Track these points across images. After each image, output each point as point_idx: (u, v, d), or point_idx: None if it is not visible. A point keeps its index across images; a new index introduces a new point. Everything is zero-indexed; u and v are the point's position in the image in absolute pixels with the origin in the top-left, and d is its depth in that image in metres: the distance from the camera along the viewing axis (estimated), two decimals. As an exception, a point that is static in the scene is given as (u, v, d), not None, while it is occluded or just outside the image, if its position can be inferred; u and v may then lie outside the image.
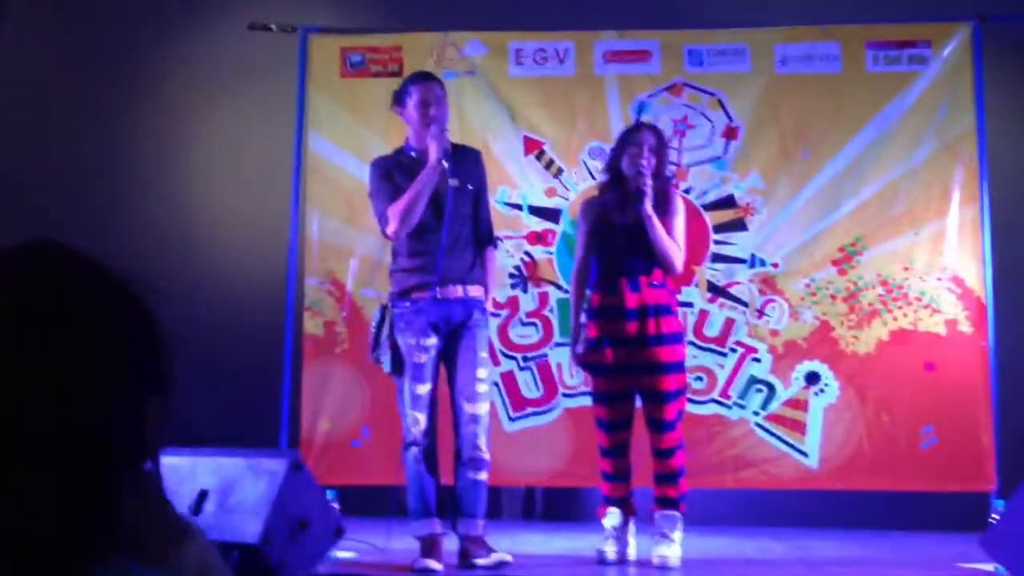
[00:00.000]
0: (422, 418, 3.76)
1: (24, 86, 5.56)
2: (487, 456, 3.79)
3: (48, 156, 5.51)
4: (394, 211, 3.80)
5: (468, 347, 3.81)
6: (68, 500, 0.80)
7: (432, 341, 3.79)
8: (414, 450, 3.78)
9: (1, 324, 0.80)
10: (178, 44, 5.57)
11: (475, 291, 3.87)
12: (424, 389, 3.77)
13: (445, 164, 3.77)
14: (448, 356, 3.83)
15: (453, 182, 3.82)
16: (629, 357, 3.94)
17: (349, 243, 5.09)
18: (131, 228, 5.34)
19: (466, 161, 3.95)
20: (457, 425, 3.81)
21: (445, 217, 3.78)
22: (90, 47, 5.56)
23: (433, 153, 3.78)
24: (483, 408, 3.80)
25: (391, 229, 3.83)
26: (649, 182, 3.94)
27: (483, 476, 3.80)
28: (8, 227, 5.36)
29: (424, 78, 3.97)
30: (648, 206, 3.92)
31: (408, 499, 3.81)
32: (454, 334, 3.82)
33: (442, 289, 3.78)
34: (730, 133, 5.11)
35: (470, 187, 3.91)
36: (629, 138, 4.12)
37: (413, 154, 3.91)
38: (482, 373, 3.82)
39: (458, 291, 3.82)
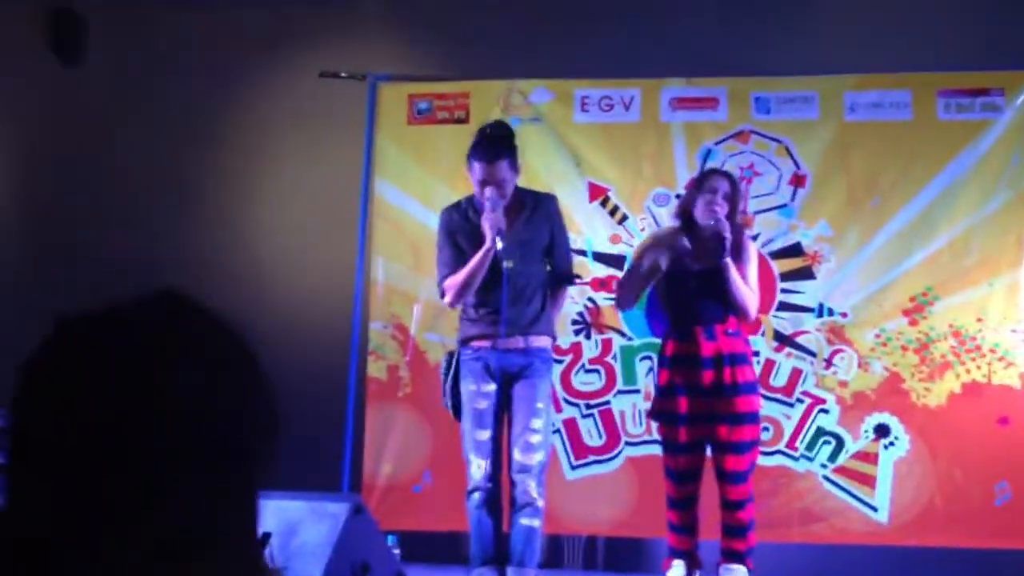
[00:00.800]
0: (483, 464, 3.75)
1: (99, 129, 5.70)
2: (540, 504, 3.76)
3: (121, 199, 5.63)
4: (451, 286, 3.87)
5: (524, 397, 3.79)
6: (175, 537, 0.81)
7: (491, 388, 3.80)
8: (475, 496, 3.77)
9: (126, 369, 0.81)
10: (251, 91, 5.68)
11: (538, 341, 3.86)
12: (484, 435, 3.76)
13: (499, 244, 3.77)
14: (506, 404, 3.82)
15: (508, 263, 3.81)
16: (704, 406, 3.89)
17: (413, 288, 5.12)
18: (200, 270, 5.42)
19: (536, 216, 3.94)
20: (510, 472, 3.79)
21: (504, 283, 3.77)
22: (164, 92, 5.69)
23: (488, 234, 3.78)
24: (536, 458, 3.76)
25: (447, 301, 3.93)
26: (724, 227, 3.90)
27: (536, 523, 3.76)
28: (82, 267, 5.48)
29: (487, 156, 3.80)
30: (725, 252, 3.89)
31: (471, 545, 3.80)
32: (512, 383, 3.81)
33: (503, 340, 3.78)
34: (797, 181, 5.06)
35: (538, 240, 3.90)
36: (703, 184, 4.09)
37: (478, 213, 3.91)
38: (536, 424, 3.78)
39: (519, 342, 3.82)
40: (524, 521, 3.73)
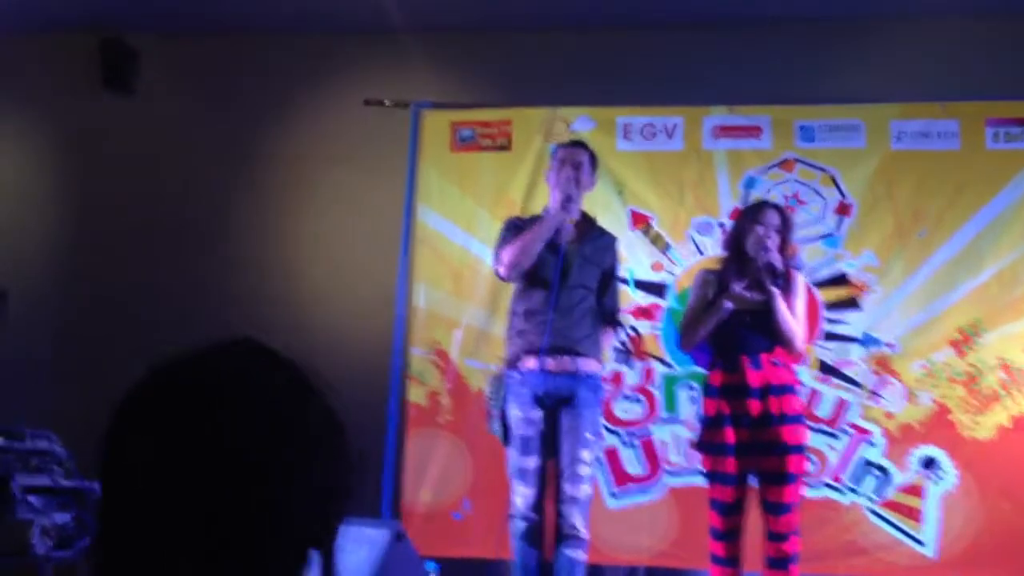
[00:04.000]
0: (528, 492, 3.71)
1: (147, 158, 5.79)
2: (584, 535, 3.72)
3: (169, 227, 5.70)
4: (508, 250, 3.83)
5: (573, 427, 3.73)
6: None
7: (538, 414, 3.75)
8: (519, 524, 3.73)
9: (205, 416, 0.86)
10: (296, 119, 5.74)
11: (587, 365, 3.81)
12: (530, 463, 3.73)
13: (566, 215, 3.76)
14: (553, 432, 3.77)
15: (574, 246, 3.82)
16: (750, 437, 3.84)
17: (455, 314, 5.13)
18: (244, 295, 5.48)
19: (602, 242, 3.98)
20: (557, 503, 3.75)
21: (554, 279, 3.74)
22: (211, 120, 5.77)
23: (556, 198, 3.80)
24: (583, 490, 3.72)
25: (501, 267, 3.86)
26: (775, 260, 3.87)
27: (580, 555, 3.72)
28: (131, 296, 5.55)
29: (574, 143, 4.09)
30: (772, 284, 3.86)
31: (513, 574, 3.77)
32: (560, 409, 3.76)
33: (551, 360, 3.74)
34: (843, 210, 5.02)
35: (596, 263, 3.90)
36: (755, 216, 4.02)
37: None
38: (586, 455, 3.73)
39: (566, 364, 3.77)
40: (569, 552, 3.69)
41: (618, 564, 4.99)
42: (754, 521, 3.92)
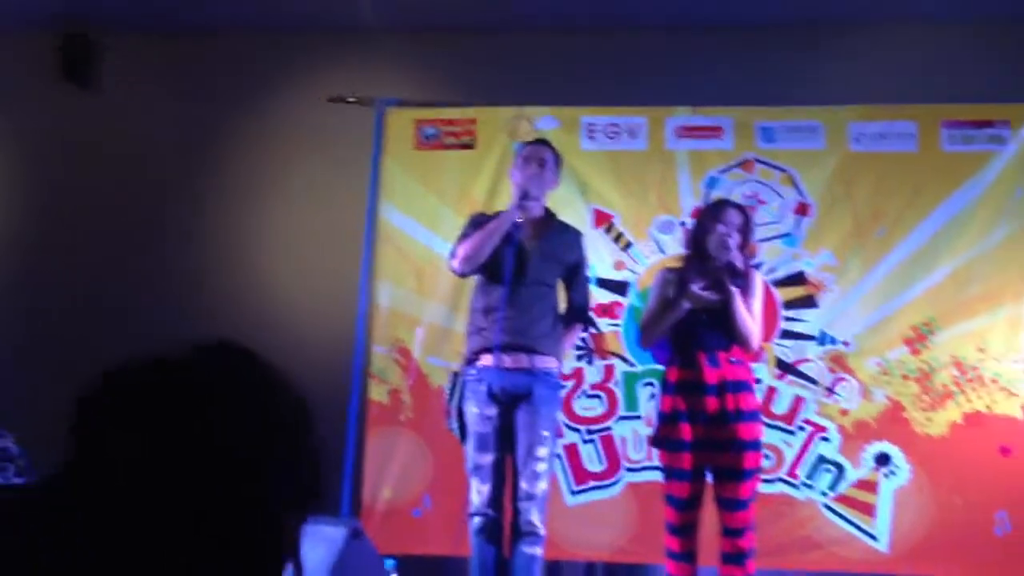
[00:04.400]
0: (485, 489, 3.74)
1: (105, 154, 5.77)
2: (542, 531, 3.75)
3: (128, 222, 5.68)
4: (463, 245, 3.85)
5: (529, 423, 3.76)
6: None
7: (493, 412, 3.78)
8: (476, 520, 3.76)
9: (182, 412, 0.88)
10: (259, 115, 5.74)
11: (543, 362, 3.83)
12: (487, 459, 3.75)
13: (524, 209, 3.79)
14: (509, 429, 3.80)
15: (533, 242, 3.85)
16: (706, 433, 3.89)
17: (417, 312, 5.16)
18: (205, 292, 5.48)
19: (565, 238, 3.99)
20: (513, 500, 3.79)
21: (508, 275, 3.75)
22: (173, 116, 5.76)
23: (515, 192, 3.84)
24: (540, 487, 3.75)
25: (455, 262, 3.88)
26: (736, 259, 3.93)
27: (537, 551, 3.75)
28: (89, 290, 5.54)
29: (538, 141, 4.11)
30: (731, 283, 3.91)
31: (471, 570, 3.79)
32: (515, 407, 3.79)
33: (508, 357, 3.77)
34: (802, 210, 5.09)
35: (557, 260, 3.92)
36: (717, 215, 4.06)
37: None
38: (541, 452, 3.76)
39: (523, 361, 3.79)
40: (526, 549, 3.72)
41: (577, 560, 5.04)
42: (710, 516, 3.99)
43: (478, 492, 3.76)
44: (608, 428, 4.99)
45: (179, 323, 5.12)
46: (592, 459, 4.98)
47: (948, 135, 5.06)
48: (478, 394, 3.79)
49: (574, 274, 3.99)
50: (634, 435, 4.96)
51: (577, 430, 4.99)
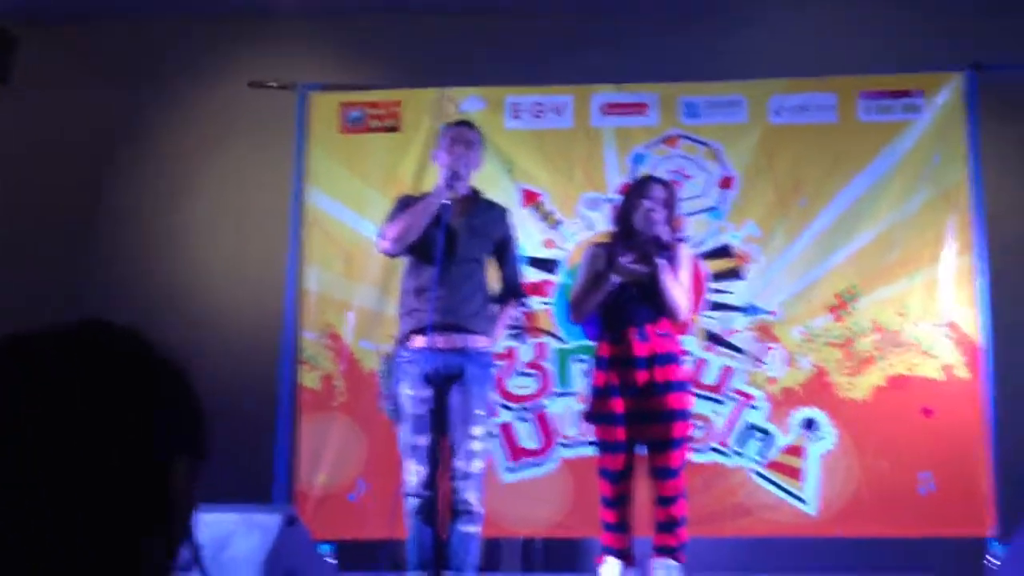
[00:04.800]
0: (420, 470, 3.73)
1: (25, 146, 5.66)
2: (478, 510, 3.77)
3: (48, 214, 5.59)
4: (391, 226, 3.84)
5: (463, 403, 3.76)
6: (90, 557, 0.85)
7: (428, 393, 3.76)
8: (412, 501, 3.76)
9: (48, 396, 0.86)
10: (180, 102, 5.67)
11: (476, 342, 3.83)
12: (422, 441, 3.74)
13: (452, 192, 3.80)
14: (443, 409, 3.80)
15: (460, 220, 3.86)
16: (637, 406, 3.94)
17: (347, 296, 5.15)
18: (130, 281, 5.41)
19: (491, 215, 4.00)
20: (450, 479, 3.80)
21: (439, 255, 3.74)
22: (91, 105, 5.66)
23: (444, 175, 3.84)
24: (476, 466, 3.76)
25: (384, 242, 3.86)
26: (663, 233, 3.97)
27: (474, 529, 3.77)
28: (8, 283, 5.44)
29: (462, 123, 4.09)
30: (660, 257, 3.96)
31: (408, 550, 3.79)
32: (449, 387, 3.78)
33: (440, 337, 3.77)
34: (726, 183, 5.16)
35: (486, 236, 3.93)
36: (641, 191, 4.11)
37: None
38: (476, 431, 3.77)
39: (455, 340, 3.79)
40: (463, 528, 3.74)
41: (515, 537, 5.09)
42: (644, 488, 4.05)
43: (414, 473, 3.75)
44: (542, 405, 5.04)
45: (103, 314, 5.04)
46: (527, 436, 5.02)
47: (865, 105, 5.17)
48: (412, 376, 3.78)
49: (504, 251, 4.00)
50: (568, 411, 5.01)
51: (511, 408, 5.03)
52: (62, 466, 0.84)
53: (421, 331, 3.76)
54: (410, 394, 3.77)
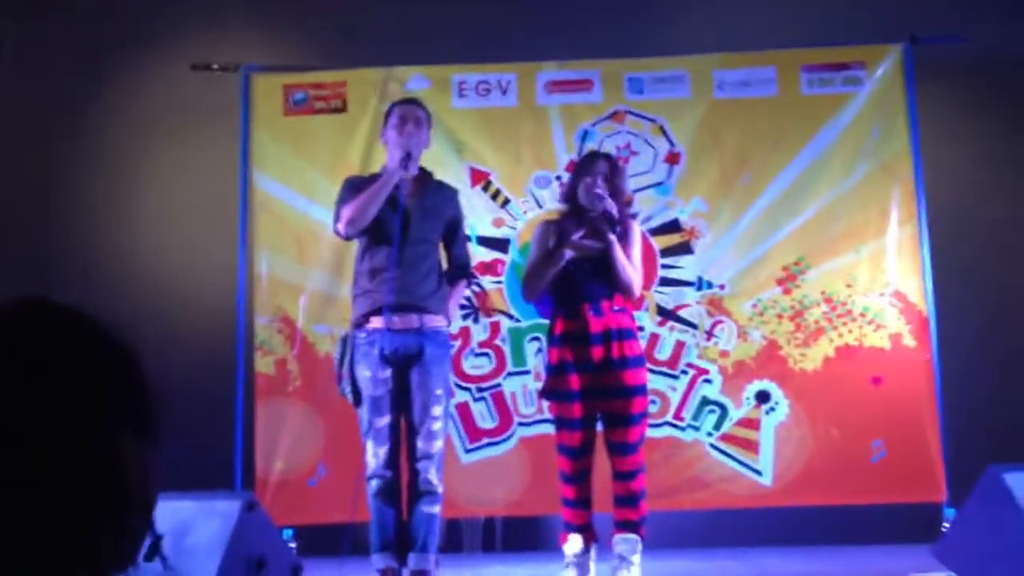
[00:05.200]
0: (381, 451, 3.71)
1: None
2: (440, 490, 3.75)
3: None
4: (347, 209, 3.79)
5: (422, 383, 3.74)
6: (45, 541, 0.82)
7: (387, 374, 3.74)
8: (374, 483, 3.73)
9: None
10: (121, 85, 5.54)
11: (433, 321, 3.80)
12: (382, 422, 3.72)
13: (405, 172, 3.77)
14: (403, 389, 3.78)
15: (413, 201, 3.83)
16: (594, 382, 3.94)
17: (299, 280, 5.08)
18: (77, 268, 5.29)
19: (442, 195, 3.97)
20: (410, 460, 3.78)
21: (396, 235, 3.71)
22: (33, 88, 5.52)
23: (395, 154, 3.80)
24: (436, 445, 3.74)
25: (340, 225, 3.81)
26: (610, 207, 3.96)
27: (436, 509, 3.75)
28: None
29: (409, 101, 4.05)
30: (609, 231, 3.95)
31: (371, 532, 3.78)
32: (408, 367, 3.76)
33: (397, 317, 3.74)
34: (672, 159, 5.18)
35: (438, 216, 3.90)
36: (583, 168, 4.13)
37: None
38: (436, 411, 3.74)
39: (412, 321, 3.75)
40: (425, 508, 3.72)
41: (475, 517, 5.08)
42: (602, 463, 4.06)
43: (375, 455, 3.72)
44: (498, 385, 5.03)
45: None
46: (484, 416, 5.01)
47: (807, 79, 5.22)
48: (369, 357, 3.75)
49: (453, 231, 3.98)
50: (524, 390, 5.01)
51: (467, 389, 5.02)
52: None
53: (377, 312, 3.73)
54: (368, 375, 3.73)
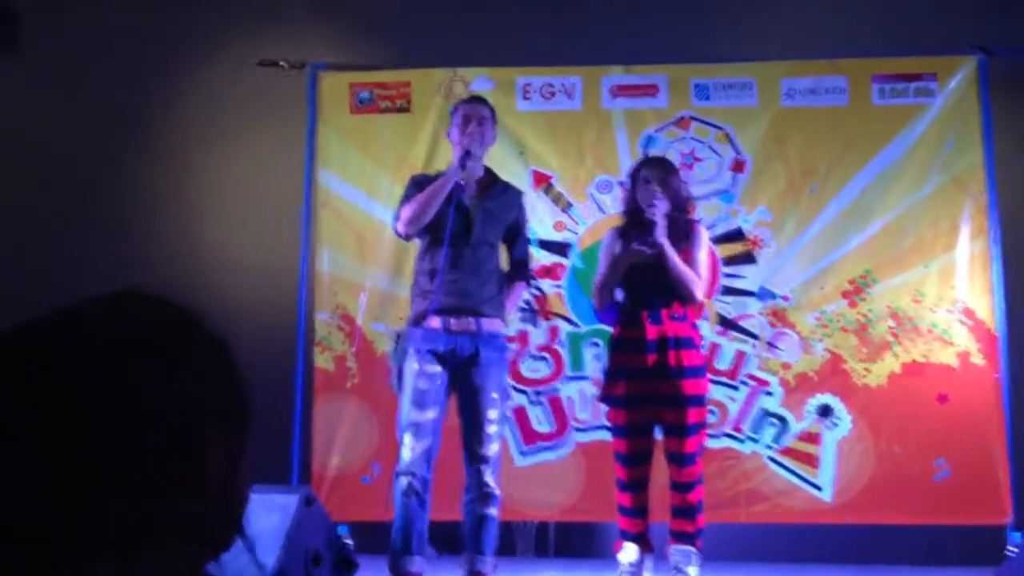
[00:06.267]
0: (419, 447, 3.61)
1: (34, 120, 5.58)
2: (497, 492, 3.70)
3: (58, 191, 5.52)
4: (407, 208, 3.77)
5: (480, 386, 3.69)
6: (125, 534, 0.82)
7: (436, 369, 3.68)
8: (403, 480, 3.61)
9: (92, 367, 0.83)
10: (189, 81, 5.60)
11: (490, 325, 3.76)
12: (423, 416, 3.64)
13: (466, 169, 3.73)
14: (458, 391, 3.74)
15: (476, 202, 3.79)
16: (649, 389, 3.90)
17: (359, 278, 5.09)
18: (142, 263, 5.34)
19: (506, 198, 3.93)
20: (466, 462, 3.72)
21: (447, 236, 3.67)
22: (103, 84, 5.59)
23: (457, 153, 3.77)
24: (493, 448, 3.70)
25: (400, 224, 3.79)
26: (658, 212, 3.92)
27: (493, 511, 3.70)
28: (21, 262, 5.36)
29: (473, 99, 4.03)
30: (660, 235, 3.90)
31: (393, 533, 3.64)
32: (463, 369, 3.71)
33: (454, 319, 3.70)
34: (738, 166, 5.12)
35: (500, 219, 3.86)
36: (638, 172, 4.11)
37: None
38: (492, 414, 3.69)
39: (470, 324, 3.72)
40: (483, 510, 3.66)
41: (529, 521, 5.05)
42: (660, 472, 4.01)
43: (411, 449, 3.61)
44: (555, 389, 5.00)
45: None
46: (540, 420, 4.98)
47: (878, 89, 5.13)
48: (421, 353, 3.70)
49: (515, 233, 3.94)
50: (581, 395, 4.97)
51: (524, 392, 4.99)
52: (98, 437, 0.81)
53: (434, 312, 3.70)
54: (416, 368, 3.68)
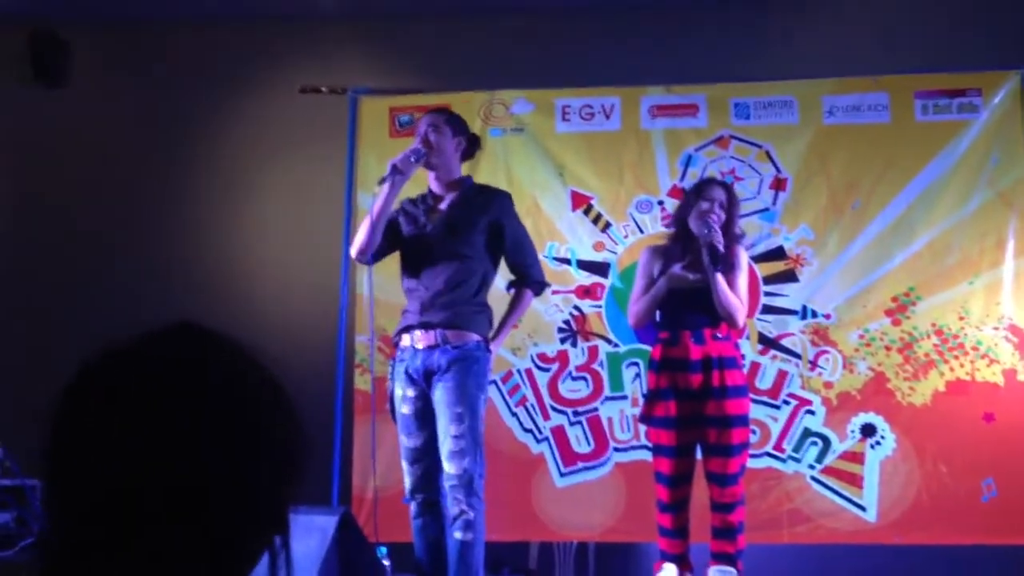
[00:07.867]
0: (416, 471, 3.60)
1: (83, 149, 5.71)
2: (471, 514, 3.49)
3: (105, 220, 5.63)
4: (358, 232, 3.80)
5: (443, 401, 3.55)
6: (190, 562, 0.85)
7: (412, 393, 3.63)
8: (412, 506, 3.65)
9: (150, 401, 0.86)
10: (231, 108, 5.70)
11: (459, 337, 3.61)
12: (409, 442, 3.61)
13: (385, 183, 3.72)
14: (429, 410, 3.61)
15: (434, 216, 3.76)
16: (693, 409, 3.90)
17: (399, 299, 5.10)
18: (184, 286, 5.43)
19: (479, 200, 3.79)
20: (442, 482, 3.60)
21: (418, 252, 3.70)
22: (147, 110, 5.71)
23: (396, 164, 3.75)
24: (461, 465, 3.48)
25: (352, 251, 3.81)
26: (716, 238, 3.91)
27: (469, 536, 3.48)
28: (67, 289, 5.48)
29: (431, 111, 3.99)
30: (710, 264, 3.88)
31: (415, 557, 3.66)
32: (431, 386, 3.61)
33: (421, 334, 3.63)
34: (778, 184, 5.10)
35: (470, 224, 3.71)
36: (700, 193, 4.08)
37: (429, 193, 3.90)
38: (455, 430, 3.49)
39: (431, 338, 3.61)
40: (456, 535, 3.50)
41: (568, 541, 5.04)
42: (700, 492, 4.00)
43: (410, 475, 3.61)
44: (595, 409, 4.99)
45: (159, 319, 5.06)
46: (580, 441, 4.98)
47: (921, 105, 5.09)
48: (399, 376, 3.67)
49: (499, 236, 3.74)
50: (620, 415, 4.96)
51: (564, 412, 4.99)
52: (154, 480, 0.84)
53: (406, 330, 3.69)
54: (400, 394, 3.66)
